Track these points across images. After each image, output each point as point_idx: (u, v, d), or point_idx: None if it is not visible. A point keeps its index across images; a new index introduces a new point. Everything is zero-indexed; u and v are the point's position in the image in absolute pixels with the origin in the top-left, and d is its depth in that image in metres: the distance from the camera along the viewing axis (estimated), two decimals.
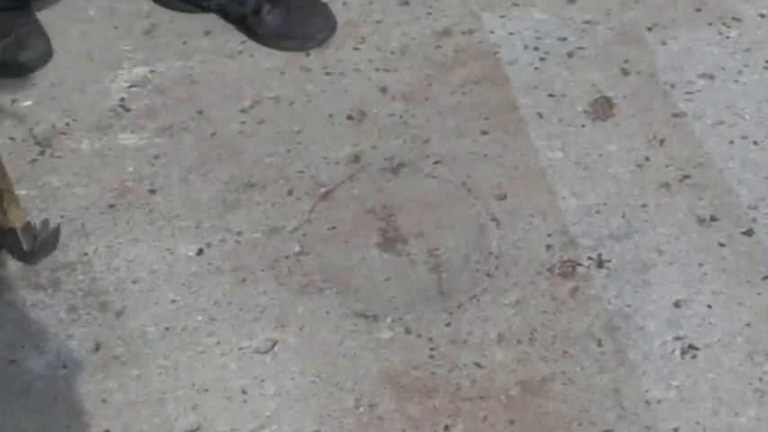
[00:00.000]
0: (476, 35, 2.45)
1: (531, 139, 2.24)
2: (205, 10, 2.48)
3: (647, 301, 1.98)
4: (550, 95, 2.33)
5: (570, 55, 2.41)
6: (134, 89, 2.34)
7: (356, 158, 2.21)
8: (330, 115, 2.29)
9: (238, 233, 2.09)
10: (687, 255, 2.05)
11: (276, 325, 1.96)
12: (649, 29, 2.46)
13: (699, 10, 2.50)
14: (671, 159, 2.21)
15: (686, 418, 1.83)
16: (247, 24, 2.43)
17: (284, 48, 2.41)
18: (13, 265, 2.04)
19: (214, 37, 2.45)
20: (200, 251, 2.07)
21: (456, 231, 2.09)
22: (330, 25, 2.44)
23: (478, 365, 1.90)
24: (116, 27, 2.48)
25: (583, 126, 2.27)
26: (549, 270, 2.03)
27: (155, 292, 2.00)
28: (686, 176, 2.17)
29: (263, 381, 1.89)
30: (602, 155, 2.22)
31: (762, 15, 2.49)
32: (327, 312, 1.98)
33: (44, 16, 2.47)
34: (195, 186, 2.17)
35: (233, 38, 2.45)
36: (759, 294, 1.99)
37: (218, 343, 1.93)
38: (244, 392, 1.87)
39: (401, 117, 2.29)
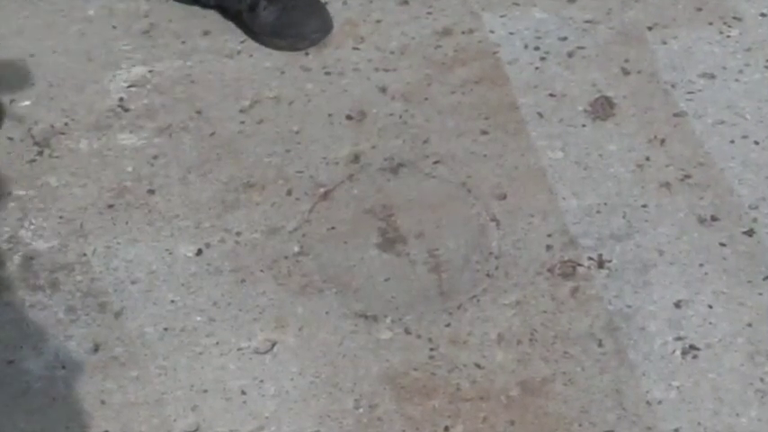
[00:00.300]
0: (476, 35, 2.45)
1: (531, 139, 2.24)
2: (204, 6, 2.48)
3: (648, 301, 1.98)
4: (551, 95, 2.32)
5: (570, 54, 2.41)
6: (133, 89, 2.34)
7: (356, 158, 2.21)
8: (329, 115, 2.29)
9: (237, 233, 2.09)
10: (688, 255, 2.04)
11: (275, 325, 1.95)
12: (650, 28, 2.46)
13: (699, 9, 2.50)
14: (671, 159, 2.20)
15: (687, 418, 1.82)
16: (243, 20, 2.43)
17: (278, 46, 2.40)
18: (12, 266, 2.03)
19: (213, 37, 2.45)
20: (200, 251, 2.06)
21: (456, 231, 2.09)
22: (326, 26, 2.43)
23: (478, 366, 1.90)
24: (115, 27, 2.47)
25: (583, 126, 2.27)
26: (549, 270, 2.03)
27: (153, 292, 2.00)
28: (687, 176, 2.17)
29: (262, 381, 1.88)
30: (603, 155, 2.21)
31: (763, 15, 2.48)
32: (327, 313, 1.97)
33: (42, 16, 2.46)
34: (194, 186, 2.16)
35: (232, 38, 2.45)
36: (760, 294, 1.98)
37: (218, 343, 1.93)
38: (243, 393, 1.87)
39: (401, 117, 2.28)
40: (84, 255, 2.05)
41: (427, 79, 2.36)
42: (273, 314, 1.97)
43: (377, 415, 1.84)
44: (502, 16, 2.49)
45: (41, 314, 1.97)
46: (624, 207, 2.12)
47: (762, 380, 1.87)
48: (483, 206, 2.13)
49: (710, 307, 1.97)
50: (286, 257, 2.05)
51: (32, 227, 2.10)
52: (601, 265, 2.03)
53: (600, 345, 1.92)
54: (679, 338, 1.92)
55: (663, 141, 2.23)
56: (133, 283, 2.01)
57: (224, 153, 2.22)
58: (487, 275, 2.02)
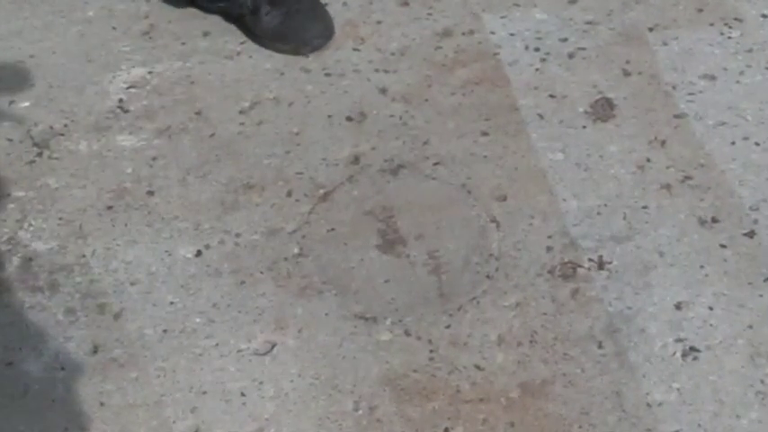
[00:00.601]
0: (476, 36, 2.45)
1: (531, 141, 2.23)
2: (206, 11, 2.48)
3: (648, 302, 1.97)
4: (551, 96, 2.32)
5: (571, 56, 2.40)
6: (132, 90, 2.33)
7: (355, 160, 2.21)
8: (329, 116, 2.29)
9: (237, 235, 2.08)
10: (688, 256, 2.04)
11: (275, 327, 1.95)
12: (651, 29, 2.45)
13: (700, 10, 2.49)
14: (672, 160, 2.20)
15: (687, 420, 1.82)
16: (245, 23, 2.42)
17: (280, 50, 2.40)
18: (11, 267, 2.03)
19: (213, 38, 2.45)
20: (199, 253, 2.06)
21: (456, 233, 2.08)
22: (327, 32, 2.43)
23: (478, 368, 1.89)
24: (114, 28, 2.47)
25: (584, 127, 2.26)
26: (549, 272, 2.02)
27: (153, 293, 2.00)
28: (687, 178, 2.17)
29: (261, 383, 1.88)
30: (603, 156, 2.21)
31: (764, 16, 2.48)
32: (326, 314, 1.97)
33: (42, 17, 2.46)
34: (194, 188, 2.16)
35: (232, 39, 2.44)
36: (761, 296, 1.98)
37: (217, 345, 1.92)
38: (242, 395, 1.86)
39: (401, 118, 2.28)
40: (84, 256, 2.05)
41: (427, 80, 2.35)
42: (273, 315, 1.96)
43: (376, 417, 1.84)
44: (502, 17, 2.49)
45: (41, 315, 1.97)
46: (625, 208, 2.12)
47: (762, 381, 1.86)
48: (483, 208, 2.12)
49: (711, 309, 1.96)
50: (286, 259, 2.05)
51: (32, 228, 2.09)
52: (601, 266, 2.03)
53: (600, 346, 1.92)
54: (679, 340, 1.92)
55: (663, 143, 2.23)
56: (132, 284, 2.01)
57: (223, 154, 2.22)
58: (487, 277, 2.02)
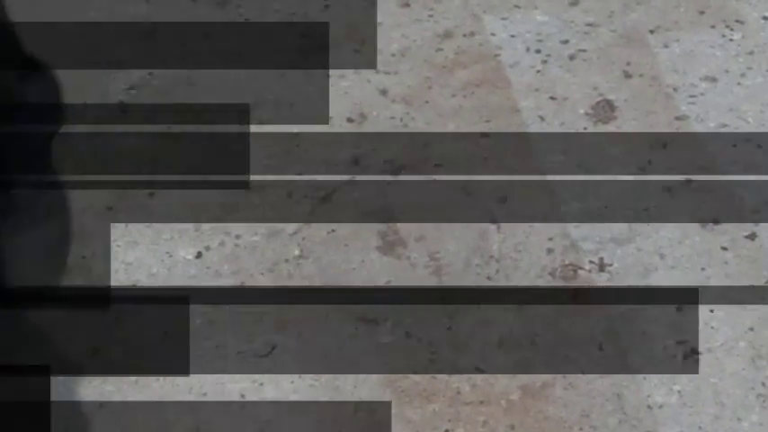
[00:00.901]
0: (477, 37, 2.44)
1: (532, 142, 2.23)
2: None
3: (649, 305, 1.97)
4: (552, 98, 2.32)
5: (572, 57, 2.40)
6: (133, 91, 2.33)
7: (356, 161, 2.20)
8: (330, 118, 2.28)
9: (237, 236, 2.08)
10: (689, 258, 2.04)
11: (275, 328, 1.95)
12: (652, 31, 2.45)
13: (702, 12, 2.49)
14: (673, 163, 2.19)
15: (688, 422, 1.82)
16: None
17: None
18: None
19: (213, 39, 2.44)
20: (199, 254, 2.06)
21: (456, 235, 2.08)
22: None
23: (479, 370, 1.89)
24: (115, 29, 2.47)
25: (584, 129, 2.26)
26: (550, 274, 2.02)
27: (153, 295, 1.99)
28: (688, 180, 2.16)
29: (261, 385, 1.88)
30: (604, 158, 2.21)
31: (765, 18, 2.48)
32: (327, 316, 1.96)
33: (42, 17, 2.46)
34: (194, 189, 2.16)
35: (232, 40, 2.44)
36: (762, 298, 1.98)
37: (217, 347, 1.92)
38: (242, 396, 1.86)
39: (401, 120, 2.28)
40: (84, 257, 2.05)
41: (428, 82, 2.35)
42: (273, 317, 1.96)
43: (377, 419, 1.83)
44: (503, 19, 2.49)
45: (40, 317, 1.96)
46: (625, 210, 2.11)
47: (763, 384, 1.86)
48: (484, 209, 2.12)
49: (712, 311, 1.96)
50: (286, 260, 2.05)
51: None
52: (602, 268, 2.03)
53: (600, 348, 1.91)
54: (680, 342, 1.92)
55: (664, 145, 2.23)
56: (133, 285, 2.01)
57: (224, 155, 2.21)
58: (488, 279, 2.01)
